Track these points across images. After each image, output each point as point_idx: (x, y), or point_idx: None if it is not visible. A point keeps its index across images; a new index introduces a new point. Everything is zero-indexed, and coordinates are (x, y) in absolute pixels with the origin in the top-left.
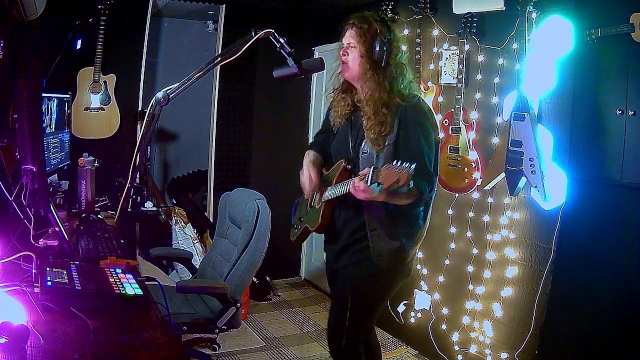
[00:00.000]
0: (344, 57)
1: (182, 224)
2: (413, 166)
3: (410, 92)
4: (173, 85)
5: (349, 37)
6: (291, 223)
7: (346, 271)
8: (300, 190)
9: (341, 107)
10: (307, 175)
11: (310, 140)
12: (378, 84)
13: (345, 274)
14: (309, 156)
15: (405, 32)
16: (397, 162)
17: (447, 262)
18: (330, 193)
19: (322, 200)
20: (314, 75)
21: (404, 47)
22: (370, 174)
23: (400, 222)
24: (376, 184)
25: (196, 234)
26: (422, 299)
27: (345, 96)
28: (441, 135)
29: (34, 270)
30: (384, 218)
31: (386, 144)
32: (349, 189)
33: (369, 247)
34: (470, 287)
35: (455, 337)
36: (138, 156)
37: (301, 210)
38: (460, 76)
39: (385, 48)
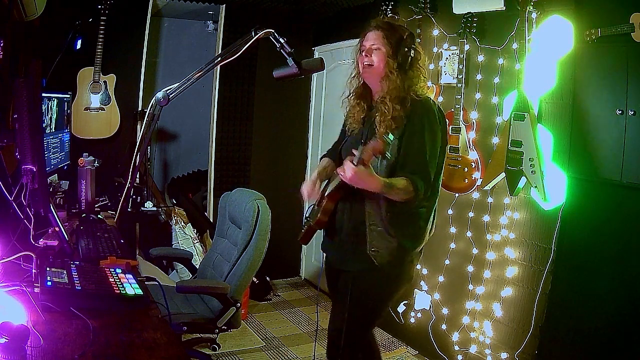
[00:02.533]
0: (367, 57)
1: (182, 224)
2: (391, 136)
3: (424, 93)
4: (173, 85)
5: (373, 39)
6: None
7: (349, 276)
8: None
9: (356, 112)
10: (311, 178)
11: (311, 141)
12: (398, 85)
13: (350, 279)
14: (320, 163)
15: None
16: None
17: (447, 262)
18: (330, 186)
19: (325, 195)
20: (314, 75)
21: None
22: (358, 154)
23: (400, 221)
24: (360, 162)
25: (196, 234)
26: (422, 299)
27: (360, 101)
28: None
29: (34, 270)
30: (384, 215)
31: (393, 138)
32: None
33: (367, 244)
34: (470, 287)
35: (455, 337)
36: (138, 156)
37: (310, 211)
38: (460, 76)
39: (410, 53)
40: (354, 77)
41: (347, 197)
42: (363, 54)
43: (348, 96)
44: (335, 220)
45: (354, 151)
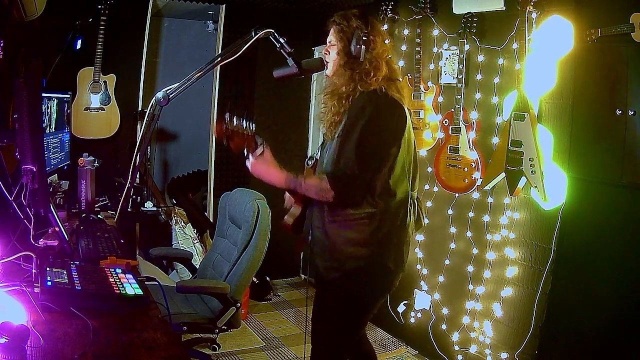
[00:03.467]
0: (326, 55)
1: (182, 224)
2: (252, 126)
3: (380, 87)
4: (173, 85)
5: (331, 34)
6: None
7: (319, 286)
8: None
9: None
10: None
11: (311, 141)
12: (348, 78)
13: (319, 288)
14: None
15: (405, 32)
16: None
17: (447, 262)
18: None
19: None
20: (314, 75)
21: (387, 41)
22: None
23: (341, 225)
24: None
25: (196, 234)
26: (422, 299)
27: None
28: (441, 135)
29: (34, 270)
30: (326, 218)
31: (336, 135)
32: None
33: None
34: (470, 287)
35: (455, 337)
36: (138, 156)
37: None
38: (460, 76)
39: (361, 43)
40: (325, 75)
41: (309, 201)
42: (323, 51)
43: (320, 94)
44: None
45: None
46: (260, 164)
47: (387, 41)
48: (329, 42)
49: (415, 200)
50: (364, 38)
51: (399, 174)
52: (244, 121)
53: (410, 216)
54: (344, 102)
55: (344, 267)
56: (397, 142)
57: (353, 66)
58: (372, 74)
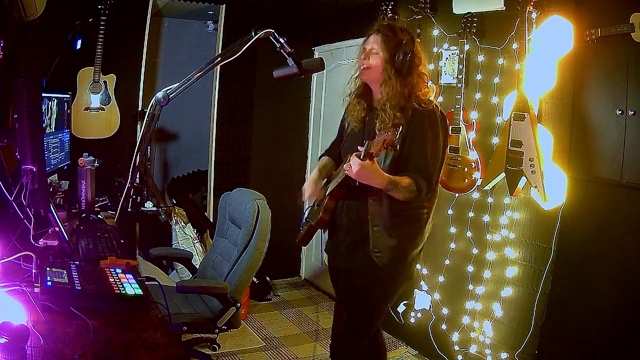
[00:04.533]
0: (365, 60)
1: (182, 224)
2: (400, 129)
3: (427, 99)
4: (173, 85)
5: (373, 42)
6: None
7: (350, 274)
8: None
9: (357, 111)
10: (312, 177)
11: (311, 141)
12: (397, 91)
13: (349, 277)
14: (320, 162)
15: None
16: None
17: (447, 262)
18: (331, 184)
19: (326, 193)
20: (314, 76)
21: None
22: (364, 149)
23: (402, 221)
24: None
25: (196, 234)
26: (422, 299)
27: (361, 100)
28: None
29: (34, 270)
30: (386, 215)
31: (396, 143)
32: (346, 173)
33: (368, 245)
34: (470, 287)
35: (455, 337)
36: (138, 156)
37: (309, 211)
38: (460, 76)
39: (408, 58)
40: (355, 77)
41: (348, 196)
42: (362, 56)
43: (349, 94)
44: (335, 219)
45: (360, 147)
46: (369, 165)
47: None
48: (371, 49)
49: None
50: (411, 54)
51: (439, 176)
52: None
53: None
54: (399, 114)
55: (404, 259)
56: (445, 148)
57: (400, 78)
58: (421, 88)
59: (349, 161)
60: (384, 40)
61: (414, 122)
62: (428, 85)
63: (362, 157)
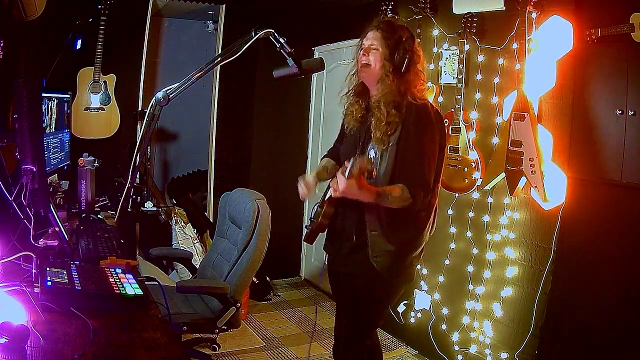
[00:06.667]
0: (364, 56)
1: (182, 224)
2: (372, 152)
3: (422, 97)
4: (173, 85)
5: (372, 39)
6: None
7: (351, 278)
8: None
9: (355, 109)
10: (307, 179)
11: (311, 141)
12: (394, 88)
13: (350, 281)
14: (320, 163)
15: None
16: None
17: (447, 262)
18: (330, 190)
19: (325, 199)
20: (314, 75)
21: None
22: (349, 167)
23: (400, 226)
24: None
25: (196, 234)
26: (422, 299)
27: (359, 99)
28: None
29: (34, 270)
30: (384, 220)
31: (390, 143)
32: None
33: (368, 249)
34: (470, 287)
35: (455, 337)
36: (138, 156)
37: (314, 211)
38: (460, 76)
39: (407, 55)
40: (353, 74)
41: (347, 201)
42: (361, 52)
43: (347, 93)
44: (336, 223)
45: (347, 163)
46: (353, 184)
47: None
48: (370, 45)
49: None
50: (410, 51)
51: (439, 178)
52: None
53: (435, 218)
54: (394, 111)
55: (401, 264)
56: (444, 147)
57: (398, 75)
58: (417, 85)
59: (336, 176)
60: (384, 37)
61: (408, 120)
62: (425, 83)
63: (346, 175)
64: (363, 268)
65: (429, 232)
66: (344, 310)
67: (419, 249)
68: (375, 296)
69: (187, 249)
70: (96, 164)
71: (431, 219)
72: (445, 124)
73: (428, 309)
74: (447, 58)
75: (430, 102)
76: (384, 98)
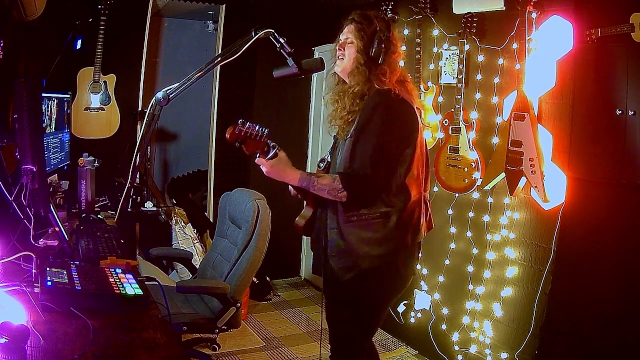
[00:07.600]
0: (339, 51)
1: (182, 224)
2: (265, 130)
3: (392, 85)
4: (173, 85)
5: (348, 32)
6: None
7: (328, 284)
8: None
9: (338, 107)
10: None
11: (311, 141)
12: (364, 78)
13: (329, 287)
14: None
15: (405, 32)
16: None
17: (447, 262)
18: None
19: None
20: (314, 75)
21: (403, 48)
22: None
23: (357, 225)
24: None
25: (196, 234)
26: (422, 299)
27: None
28: (441, 135)
29: (34, 270)
30: (340, 218)
31: (351, 130)
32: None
33: (327, 249)
34: (470, 287)
35: (455, 337)
36: (138, 156)
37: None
38: (460, 76)
39: (383, 46)
40: (332, 71)
41: (320, 203)
42: (336, 47)
43: (328, 92)
44: (315, 227)
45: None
46: (275, 165)
47: (403, 47)
48: (346, 39)
49: (427, 201)
50: (386, 41)
51: (415, 174)
52: (257, 125)
53: (423, 217)
54: (358, 100)
55: (360, 266)
56: (411, 143)
57: (371, 66)
58: (387, 75)
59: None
60: (358, 29)
61: (365, 110)
62: (395, 73)
63: (257, 155)
64: (332, 275)
65: (411, 233)
66: (330, 317)
67: (387, 251)
68: (346, 302)
69: (187, 249)
70: (96, 164)
71: (414, 218)
72: (445, 124)
73: (428, 309)
74: (447, 58)
75: (400, 95)
76: (352, 88)
